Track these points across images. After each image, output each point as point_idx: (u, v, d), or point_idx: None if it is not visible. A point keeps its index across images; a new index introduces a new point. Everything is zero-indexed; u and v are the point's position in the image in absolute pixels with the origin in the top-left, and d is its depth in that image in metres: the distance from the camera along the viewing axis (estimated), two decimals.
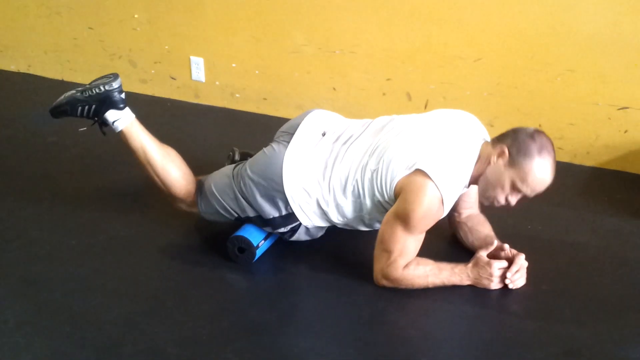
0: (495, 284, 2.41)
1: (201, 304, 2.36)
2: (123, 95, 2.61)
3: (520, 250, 2.47)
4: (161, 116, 3.92)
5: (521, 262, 2.43)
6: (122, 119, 2.60)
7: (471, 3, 3.28)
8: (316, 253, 2.62)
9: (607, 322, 2.30)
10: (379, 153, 2.37)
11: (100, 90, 2.57)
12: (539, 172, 2.25)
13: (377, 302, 2.38)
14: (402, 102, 3.61)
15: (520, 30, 3.25)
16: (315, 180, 2.44)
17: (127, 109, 2.63)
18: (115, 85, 2.58)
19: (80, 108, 2.60)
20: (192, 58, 4.01)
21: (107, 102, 2.58)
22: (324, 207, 2.47)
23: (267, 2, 3.70)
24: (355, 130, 2.53)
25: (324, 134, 2.54)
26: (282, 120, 3.81)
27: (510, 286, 2.41)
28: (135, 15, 4.05)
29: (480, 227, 2.59)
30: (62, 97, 2.65)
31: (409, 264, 2.36)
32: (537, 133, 2.30)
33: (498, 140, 2.35)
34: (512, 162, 2.27)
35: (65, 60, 4.35)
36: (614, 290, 2.47)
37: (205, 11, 3.87)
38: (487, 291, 2.41)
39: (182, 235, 2.75)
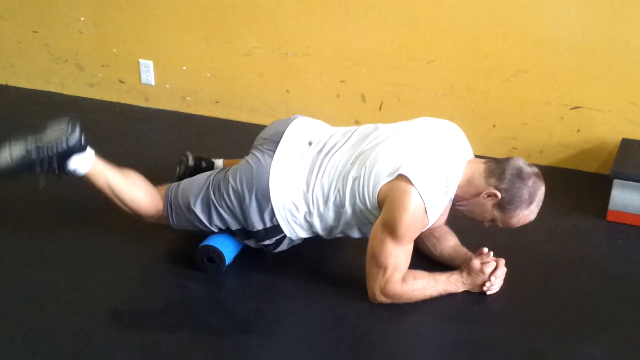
0: (495, 288, 2.42)
1: (159, 315, 2.31)
2: (83, 140, 2.38)
3: None
4: (110, 121, 3.84)
5: (502, 267, 2.44)
6: (85, 163, 2.41)
7: (424, 5, 3.28)
8: (275, 260, 2.58)
9: (567, 321, 2.32)
10: (361, 161, 2.34)
11: (62, 147, 2.34)
12: (523, 219, 2.33)
13: (338, 308, 2.36)
14: (356, 103, 3.59)
15: (473, 32, 3.26)
16: (301, 191, 2.39)
17: (88, 149, 2.42)
18: (75, 138, 2.35)
19: (39, 168, 2.35)
20: (141, 61, 3.94)
21: (69, 153, 2.36)
22: (309, 219, 2.42)
23: (217, 3, 3.65)
24: (338, 139, 2.48)
25: (310, 143, 2.48)
26: (235, 124, 3.82)
27: (488, 292, 2.41)
28: (82, 18, 3.96)
29: (448, 236, 2.58)
30: (8, 159, 2.34)
31: (406, 278, 2.32)
32: (529, 175, 2.28)
33: (490, 172, 2.30)
34: (501, 208, 2.30)
35: (8, 64, 4.23)
36: (572, 289, 2.49)
37: (153, 13, 3.80)
38: (448, 296, 2.40)
39: (137, 244, 2.68)
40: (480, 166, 2.34)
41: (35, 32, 4.09)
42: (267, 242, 2.49)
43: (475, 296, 2.41)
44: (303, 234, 2.48)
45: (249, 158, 2.49)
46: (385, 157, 2.30)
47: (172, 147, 3.48)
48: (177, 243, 2.66)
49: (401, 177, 2.22)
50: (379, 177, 2.27)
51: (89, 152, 2.44)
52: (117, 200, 2.51)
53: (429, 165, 2.26)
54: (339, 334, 2.26)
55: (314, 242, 2.56)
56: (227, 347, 2.17)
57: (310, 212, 2.40)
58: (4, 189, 2.99)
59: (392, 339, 2.28)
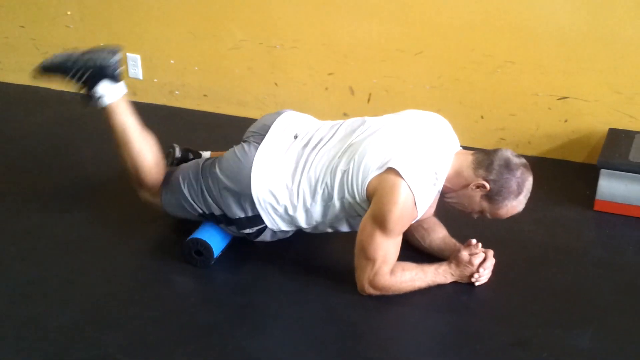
0: (483, 279, 2.43)
1: (148, 308, 2.31)
2: (120, 69, 2.51)
3: None
4: (98, 115, 3.81)
5: (491, 258, 2.45)
6: (112, 94, 2.51)
7: None
8: (264, 253, 2.59)
9: (555, 311, 2.33)
10: (349, 154, 2.34)
11: (100, 63, 2.47)
12: (511, 210, 2.34)
13: (328, 299, 2.36)
14: (344, 96, 3.60)
15: (460, 23, 3.26)
16: (284, 185, 2.39)
17: (121, 83, 2.54)
18: (114, 59, 2.49)
19: (74, 70, 2.48)
20: (129, 55, 3.92)
21: (103, 73, 2.48)
22: (292, 213, 2.41)
23: None
24: (325, 134, 2.48)
25: (295, 137, 2.49)
26: (223, 117, 3.82)
27: (477, 283, 2.42)
28: (68, 12, 3.94)
29: (437, 228, 2.59)
30: (61, 55, 2.54)
31: (394, 270, 2.33)
32: (517, 166, 2.29)
33: (478, 164, 2.31)
34: (489, 199, 2.31)
35: None
36: (560, 279, 2.50)
37: (140, 7, 3.79)
38: (437, 287, 2.40)
39: (127, 237, 2.68)
40: (468, 158, 2.35)
41: (22, 27, 4.07)
42: (247, 230, 2.50)
43: (464, 287, 2.42)
44: (284, 226, 2.48)
45: (236, 148, 2.51)
46: (374, 150, 2.30)
47: (160, 140, 3.43)
48: (167, 237, 2.66)
49: (390, 170, 2.23)
50: (368, 170, 2.27)
51: (121, 87, 2.53)
52: (124, 148, 2.55)
53: (417, 158, 2.27)
54: (329, 325, 2.27)
55: (304, 235, 2.57)
56: (217, 340, 2.17)
57: (294, 206, 2.40)
58: None
59: (382, 329, 2.29)
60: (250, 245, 2.57)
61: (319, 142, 2.46)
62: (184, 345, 2.14)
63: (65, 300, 2.33)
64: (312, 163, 2.39)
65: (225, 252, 2.57)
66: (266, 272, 2.51)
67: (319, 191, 2.37)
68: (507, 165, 2.29)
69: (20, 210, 2.84)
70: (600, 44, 3.10)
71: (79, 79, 2.49)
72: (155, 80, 3.95)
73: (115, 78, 2.51)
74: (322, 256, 2.61)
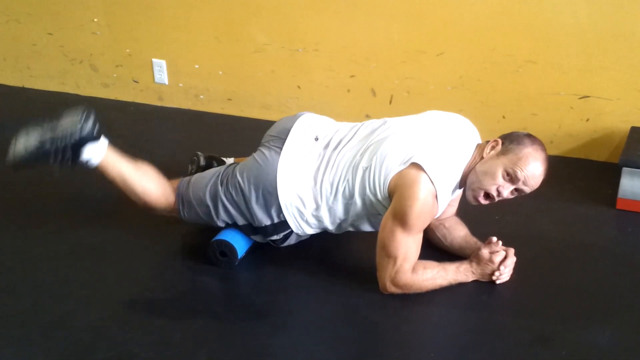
0: (504, 278, 2.43)
1: (172, 308, 2.35)
2: (97, 129, 2.41)
3: None
4: (125, 120, 3.88)
5: (512, 256, 2.45)
6: (98, 153, 2.44)
7: None
8: (286, 253, 2.61)
9: (575, 308, 2.33)
10: (371, 151, 2.36)
11: (76, 137, 2.36)
12: (532, 159, 2.28)
13: (349, 299, 2.38)
14: (366, 98, 3.62)
15: (480, 23, 3.28)
16: (309, 187, 2.42)
17: (102, 138, 2.46)
18: (88, 127, 2.38)
19: (54, 154, 2.37)
20: (154, 60, 3.98)
21: (84, 141, 2.39)
22: (317, 214, 2.43)
23: (227, 2, 3.69)
24: (345, 134, 2.50)
25: (316, 139, 2.50)
26: (248, 121, 3.86)
27: (498, 281, 2.43)
28: (95, 19, 4.01)
29: (458, 227, 2.60)
30: (23, 149, 2.38)
31: (416, 268, 2.34)
32: (529, 134, 2.36)
33: (488, 142, 2.39)
34: (506, 151, 2.31)
35: (25, 67, 4.29)
36: (580, 277, 2.50)
37: (165, 13, 3.84)
38: (458, 286, 2.41)
39: (150, 239, 2.72)
40: (482, 145, 2.42)
41: (50, 34, 4.15)
42: (275, 237, 2.51)
43: (485, 285, 2.43)
44: (310, 230, 2.50)
45: (256, 155, 2.51)
46: (397, 147, 2.32)
47: (185, 145, 3.51)
48: (190, 238, 2.70)
49: (413, 165, 2.25)
50: (391, 166, 2.29)
51: (103, 141, 2.46)
52: (128, 192, 2.54)
53: (440, 153, 2.29)
54: (350, 324, 2.29)
55: (324, 236, 2.59)
56: (239, 338, 2.20)
57: (318, 207, 2.42)
58: (20, 188, 3.06)
59: (403, 328, 2.31)
60: (273, 246, 2.59)
61: (339, 143, 2.48)
62: (206, 343, 2.18)
63: (91, 300, 2.38)
64: (333, 163, 2.41)
65: (248, 253, 2.60)
66: (288, 272, 2.53)
67: (340, 189, 2.39)
68: (515, 132, 2.39)
69: (45, 213, 2.90)
70: (621, 42, 3.09)
71: (62, 160, 2.38)
72: (180, 85, 4.00)
73: (96, 139, 2.42)
74: (343, 256, 2.63)
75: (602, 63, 3.15)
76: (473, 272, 2.44)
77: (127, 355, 2.13)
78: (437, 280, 2.38)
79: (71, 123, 2.38)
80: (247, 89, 3.87)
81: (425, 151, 2.28)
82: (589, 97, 3.23)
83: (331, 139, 2.50)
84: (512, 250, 2.46)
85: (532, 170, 2.28)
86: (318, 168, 2.43)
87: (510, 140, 2.34)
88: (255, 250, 2.61)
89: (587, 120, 3.29)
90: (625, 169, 2.87)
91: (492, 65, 3.33)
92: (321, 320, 2.31)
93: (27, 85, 4.33)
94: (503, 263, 2.42)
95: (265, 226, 2.47)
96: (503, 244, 2.46)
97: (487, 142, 2.39)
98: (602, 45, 3.12)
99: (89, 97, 4.15)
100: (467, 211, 2.61)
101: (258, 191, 2.43)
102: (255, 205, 2.44)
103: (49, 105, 4.10)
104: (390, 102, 3.58)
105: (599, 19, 3.08)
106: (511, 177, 2.29)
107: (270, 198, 2.42)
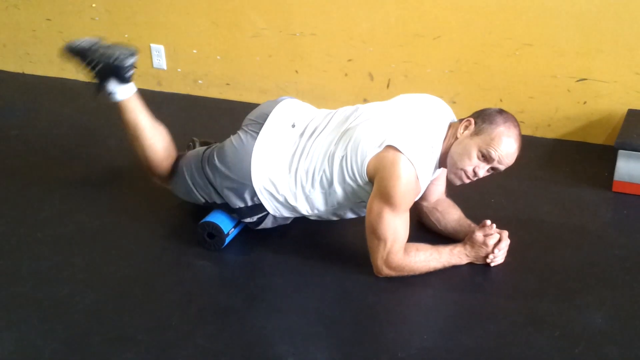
0: (498, 260, 2.44)
1: (169, 291, 2.37)
2: (131, 72, 2.59)
3: None
4: None
5: (506, 239, 2.46)
6: (122, 92, 2.60)
7: None
8: (281, 237, 2.63)
9: (569, 291, 2.34)
10: (345, 139, 2.37)
11: (112, 61, 2.56)
12: (505, 137, 2.28)
13: (344, 282, 2.40)
14: (364, 82, 3.63)
15: (477, 6, 3.27)
16: (283, 173, 2.43)
17: (131, 84, 2.62)
18: (127, 62, 2.57)
19: (89, 59, 2.60)
20: (153, 46, 3.99)
21: (113, 71, 2.57)
22: (292, 202, 2.45)
23: None
24: (319, 122, 2.51)
25: (293, 126, 2.51)
26: (246, 105, 3.84)
27: (492, 264, 2.44)
28: (93, 5, 4.02)
29: (452, 210, 2.61)
30: (86, 41, 2.66)
31: (408, 250, 2.35)
32: (501, 110, 2.36)
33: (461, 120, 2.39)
34: (479, 130, 2.31)
35: (24, 53, 4.31)
36: (576, 259, 2.51)
37: None
38: (452, 268, 2.43)
39: (148, 223, 2.74)
40: (456, 123, 2.42)
41: (49, 20, 4.16)
42: (248, 220, 2.55)
43: (479, 268, 2.44)
44: (286, 213, 2.53)
45: (233, 138, 2.54)
46: (370, 132, 2.33)
47: (185, 129, 3.51)
48: (188, 223, 2.70)
49: (388, 147, 2.25)
50: (366, 150, 2.29)
51: (131, 86, 2.63)
52: (136, 143, 2.64)
53: (413, 133, 2.30)
54: (345, 306, 2.31)
55: (318, 220, 2.60)
56: (236, 320, 2.22)
57: (294, 194, 2.44)
58: (20, 174, 3.07)
59: (397, 310, 2.32)
60: (268, 230, 2.61)
61: (314, 131, 2.49)
62: (203, 326, 2.20)
63: (88, 283, 2.40)
64: (308, 151, 2.43)
65: (242, 236, 2.62)
66: (283, 256, 2.55)
67: (317, 178, 2.40)
68: (487, 109, 2.39)
69: (45, 198, 2.92)
70: (618, 25, 3.09)
71: (92, 69, 2.60)
72: (178, 70, 4.01)
73: (124, 79, 2.59)
74: (337, 239, 2.64)
75: (599, 46, 3.15)
76: (467, 255, 2.45)
77: (124, 338, 2.15)
78: (431, 263, 2.39)
79: (118, 49, 2.60)
80: (245, 73, 3.88)
81: (398, 133, 2.28)
82: (586, 79, 3.24)
83: (306, 126, 2.51)
84: (506, 233, 2.47)
85: (506, 149, 2.29)
86: (293, 155, 2.45)
87: (483, 119, 2.33)
88: (250, 233, 2.63)
89: (584, 103, 3.29)
90: (621, 152, 2.88)
91: (489, 48, 3.33)
92: (317, 303, 2.32)
93: (27, 71, 4.35)
94: (497, 246, 2.43)
95: (240, 208, 2.50)
96: (497, 227, 2.47)
97: (461, 120, 2.39)
98: (600, 28, 3.12)
99: (89, 82, 4.15)
100: (460, 194, 2.61)
101: (232, 173, 2.46)
102: (229, 188, 2.48)
103: (48, 91, 4.12)
104: (388, 86, 3.58)
105: (596, 1, 3.08)
106: (486, 157, 2.29)
107: (244, 181, 2.45)
